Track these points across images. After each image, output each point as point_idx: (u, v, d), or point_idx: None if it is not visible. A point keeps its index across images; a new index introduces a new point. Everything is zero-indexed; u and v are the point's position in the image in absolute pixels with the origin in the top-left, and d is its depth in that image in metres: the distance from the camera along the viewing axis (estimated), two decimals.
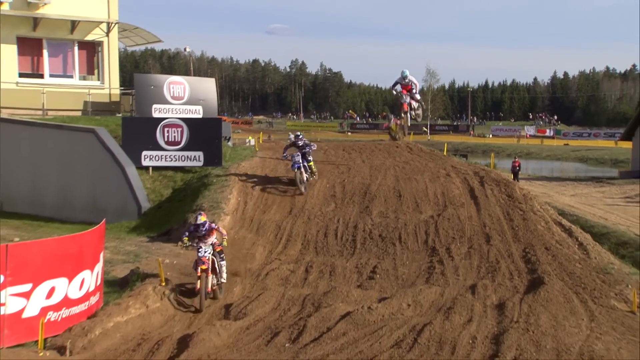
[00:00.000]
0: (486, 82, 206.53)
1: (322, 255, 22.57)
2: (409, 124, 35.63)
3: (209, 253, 17.76)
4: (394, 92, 34.39)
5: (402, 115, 34.08)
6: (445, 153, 34.11)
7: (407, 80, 34.31)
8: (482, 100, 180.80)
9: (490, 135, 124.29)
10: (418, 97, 34.29)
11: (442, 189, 26.87)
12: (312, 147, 28.41)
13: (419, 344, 14.07)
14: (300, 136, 28.19)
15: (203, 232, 17.89)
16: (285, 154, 27.92)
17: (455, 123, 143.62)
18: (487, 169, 30.98)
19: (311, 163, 27.62)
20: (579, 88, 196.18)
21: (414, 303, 17.16)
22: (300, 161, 26.76)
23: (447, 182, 27.67)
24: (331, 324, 15.40)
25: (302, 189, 26.95)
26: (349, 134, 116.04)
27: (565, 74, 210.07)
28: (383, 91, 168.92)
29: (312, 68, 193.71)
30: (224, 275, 18.63)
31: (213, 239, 18.20)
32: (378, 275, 20.32)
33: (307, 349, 14.18)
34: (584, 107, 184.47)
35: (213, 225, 18.49)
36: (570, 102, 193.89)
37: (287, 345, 14.74)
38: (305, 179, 26.92)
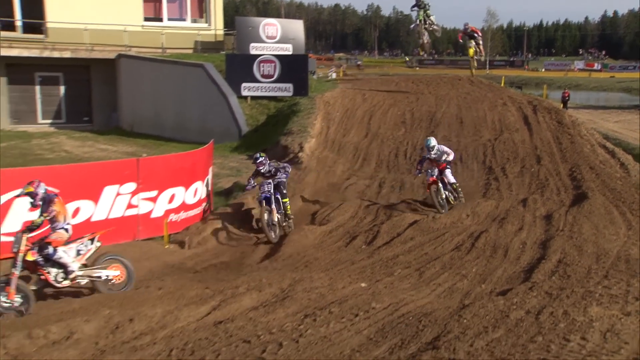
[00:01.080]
0: (541, 21, 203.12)
1: (393, 172, 23.24)
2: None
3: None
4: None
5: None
6: (502, 85, 34.06)
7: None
8: (536, 38, 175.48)
9: (543, 70, 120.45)
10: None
11: (499, 116, 27.14)
12: (285, 173, 17.85)
13: (476, 247, 14.64)
14: (261, 159, 17.59)
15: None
16: (252, 183, 17.73)
17: (511, 59, 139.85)
18: (540, 98, 31.03)
19: (286, 200, 17.65)
20: (627, 25, 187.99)
21: (472, 214, 17.75)
22: (271, 192, 17.08)
23: (504, 110, 27.91)
24: (401, 230, 16.18)
25: (272, 237, 16.86)
26: (417, 68, 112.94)
27: (615, 12, 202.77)
28: (448, 30, 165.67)
29: (386, 11, 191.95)
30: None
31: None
32: None
33: (380, 250, 14.94)
34: (631, 43, 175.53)
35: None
36: (618, 39, 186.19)
37: (363, 246, 15.61)
38: (275, 220, 16.96)
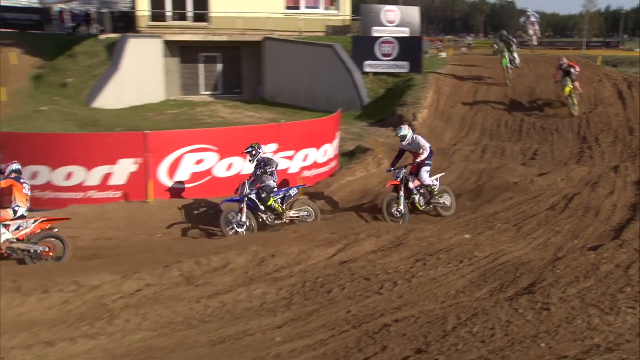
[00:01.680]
0: (639, 4, 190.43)
1: (495, 140, 22.83)
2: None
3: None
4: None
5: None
6: (598, 63, 32.94)
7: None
8: (633, 21, 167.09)
9: (638, 50, 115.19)
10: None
11: (594, 92, 26.12)
12: (271, 168, 13.79)
13: (569, 208, 14.08)
14: (254, 150, 13.93)
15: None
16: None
17: (607, 40, 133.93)
18: (635, 75, 29.38)
19: (271, 202, 13.69)
20: None
21: (566, 178, 16.96)
22: (247, 191, 13.60)
23: (600, 86, 26.84)
24: (500, 190, 15.76)
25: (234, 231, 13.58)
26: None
27: None
28: (548, 15, 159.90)
29: None
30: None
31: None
32: (538, 156, 20.49)
33: (482, 207, 14.67)
34: None
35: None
36: None
37: (467, 203, 15.51)
38: (248, 226, 13.60)
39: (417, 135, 15.21)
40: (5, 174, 12.29)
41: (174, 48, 32.35)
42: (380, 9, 32.84)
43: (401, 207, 14.40)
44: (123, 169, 14.75)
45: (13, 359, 7.44)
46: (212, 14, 33.92)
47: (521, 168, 18.74)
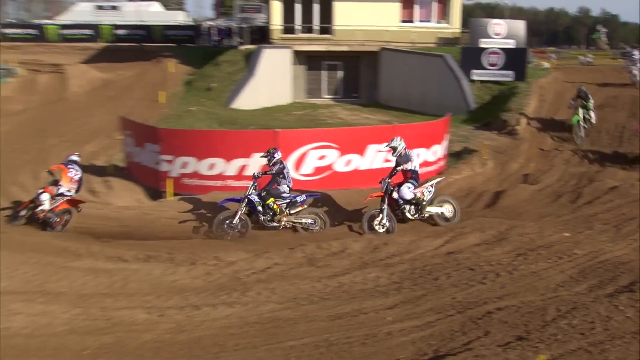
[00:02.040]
0: None
1: (595, 145, 21.62)
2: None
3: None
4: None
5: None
6: None
7: None
8: None
9: None
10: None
11: None
12: (281, 169, 13.27)
13: None
14: (269, 155, 13.39)
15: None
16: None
17: None
18: None
19: (269, 202, 13.05)
20: None
21: None
22: (249, 192, 13.05)
23: None
24: (601, 193, 15.02)
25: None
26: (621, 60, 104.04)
27: None
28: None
29: (595, 12, 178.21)
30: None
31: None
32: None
33: (582, 208, 14.15)
34: None
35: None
36: None
37: (567, 204, 14.83)
38: (241, 229, 12.93)
39: (409, 150, 13.67)
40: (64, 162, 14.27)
41: (301, 57, 32.86)
42: (488, 23, 32.27)
43: (384, 220, 12.92)
44: (256, 162, 15.18)
45: (168, 317, 7.93)
46: (335, 27, 34.23)
47: (622, 172, 17.97)
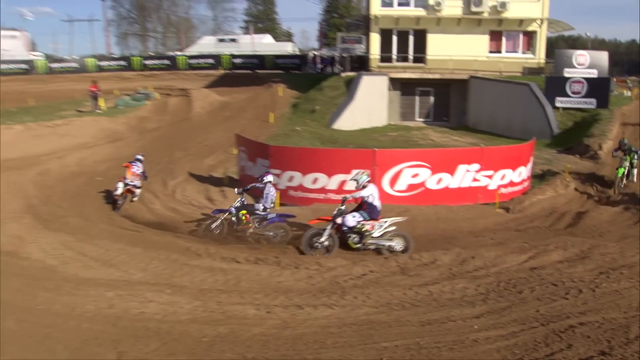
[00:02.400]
0: None
1: None
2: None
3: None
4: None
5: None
6: None
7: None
8: None
9: None
10: None
11: None
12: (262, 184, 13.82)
13: None
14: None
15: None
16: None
17: None
18: None
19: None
20: None
21: None
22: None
23: None
24: None
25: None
26: None
27: None
28: None
29: None
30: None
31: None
32: None
33: None
34: None
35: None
36: None
37: None
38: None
39: (370, 185, 12.63)
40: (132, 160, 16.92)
41: (396, 83, 32.72)
42: (573, 53, 31.03)
43: (323, 239, 12.19)
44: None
45: (275, 314, 8.00)
46: (428, 57, 34.01)
47: None
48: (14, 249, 12.40)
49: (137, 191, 16.78)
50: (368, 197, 12.38)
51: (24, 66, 50.08)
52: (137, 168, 16.89)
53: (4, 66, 49.38)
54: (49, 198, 17.66)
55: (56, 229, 13.77)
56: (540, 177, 19.10)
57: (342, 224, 12.29)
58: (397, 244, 12.40)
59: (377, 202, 12.50)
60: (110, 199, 16.86)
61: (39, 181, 19.44)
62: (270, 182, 13.89)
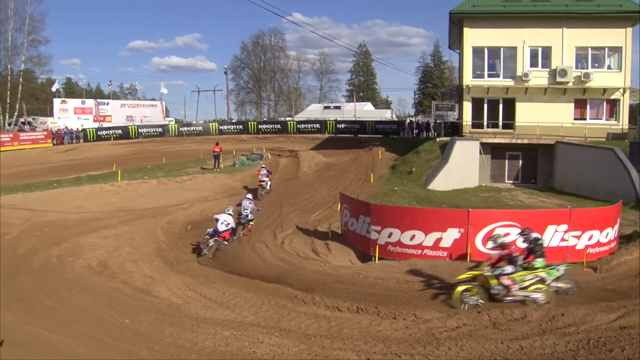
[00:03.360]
0: None
1: None
2: None
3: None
4: None
5: None
6: None
7: None
8: None
9: None
10: None
11: None
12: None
13: None
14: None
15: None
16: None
17: None
18: None
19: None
20: None
21: None
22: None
23: None
24: None
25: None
26: None
27: None
28: None
29: None
30: None
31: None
32: None
33: None
34: None
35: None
36: None
37: None
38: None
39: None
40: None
41: (487, 147, 32.20)
42: None
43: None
44: (450, 236, 15.02)
45: None
46: (517, 123, 33.36)
47: None
48: (146, 287, 13.22)
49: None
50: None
51: (159, 130, 53.63)
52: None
53: (144, 130, 53.09)
54: (175, 244, 18.64)
55: (181, 271, 14.58)
56: (627, 239, 17.82)
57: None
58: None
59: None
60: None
61: (168, 229, 20.60)
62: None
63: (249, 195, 21.43)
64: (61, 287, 12.77)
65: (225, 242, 18.04)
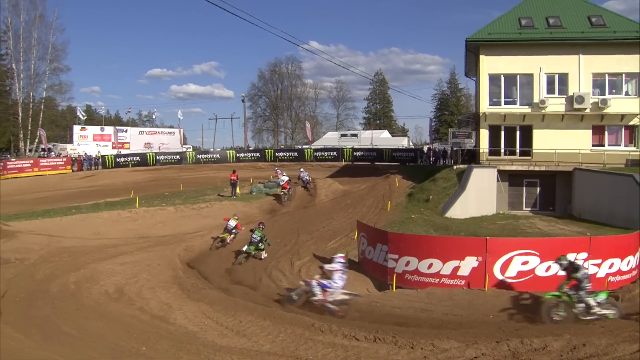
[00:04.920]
0: None
1: None
2: None
3: None
4: None
5: None
6: None
7: None
8: None
9: None
10: None
11: None
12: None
13: None
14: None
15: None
16: None
17: None
18: None
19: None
20: None
21: None
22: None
23: None
24: None
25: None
26: None
27: None
28: None
29: None
30: None
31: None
32: None
33: None
34: None
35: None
36: None
37: None
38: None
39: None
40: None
41: (504, 175, 32.00)
42: None
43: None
44: (468, 264, 14.92)
45: None
46: (534, 150, 33.15)
47: None
48: (163, 314, 13.24)
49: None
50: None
51: (177, 157, 54.21)
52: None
53: (162, 157, 53.67)
54: (192, 271, 18.68)
55: (197, 299, 14.56)
56: None
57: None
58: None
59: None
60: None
61: (185, 256, 20.63)
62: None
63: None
64: (78, 313, 12.83)
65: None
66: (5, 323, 11.51)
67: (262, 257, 20.40)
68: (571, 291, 12.94)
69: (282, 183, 33.42)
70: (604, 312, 12.54)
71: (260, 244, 20.66)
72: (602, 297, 12.90)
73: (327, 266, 14.78)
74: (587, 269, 13.65)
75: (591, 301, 12.70)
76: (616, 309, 12.72)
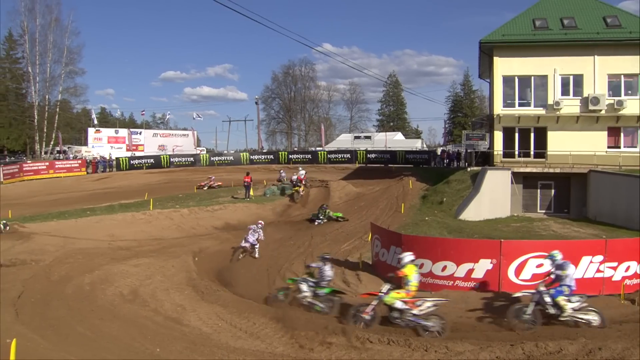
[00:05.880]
0: None
1: None
2: None
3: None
4: None
5: None
6: None
7: None
8: None
9: None
10: None
11: None
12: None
13: None
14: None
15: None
16: None
17: None
18: None
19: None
20: None
21: None
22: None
23: None
24: None
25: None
26: None
27: None
28: None
29: None
30: None
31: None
32: None
33: None
34: None
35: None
36: None
37: None
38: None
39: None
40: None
41: (518, 177, 31.79)
42: None
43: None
44: (482, 267, 14.82)
45: None
46: (548, 152, 32.89)
47: None
48: (177, 316, 13.31)
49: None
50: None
51: (190, 159, 54.51)
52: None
53: (176, 159, 53.96)
54: (205, 273, 18.76)
55: (211, 301, 14.61)
56: None
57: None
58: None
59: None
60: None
61: (199, 257, 20.72)
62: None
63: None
64: (93, 314, 12.94)
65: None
66: (22, 324, 11.64)
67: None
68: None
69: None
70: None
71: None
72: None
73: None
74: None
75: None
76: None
